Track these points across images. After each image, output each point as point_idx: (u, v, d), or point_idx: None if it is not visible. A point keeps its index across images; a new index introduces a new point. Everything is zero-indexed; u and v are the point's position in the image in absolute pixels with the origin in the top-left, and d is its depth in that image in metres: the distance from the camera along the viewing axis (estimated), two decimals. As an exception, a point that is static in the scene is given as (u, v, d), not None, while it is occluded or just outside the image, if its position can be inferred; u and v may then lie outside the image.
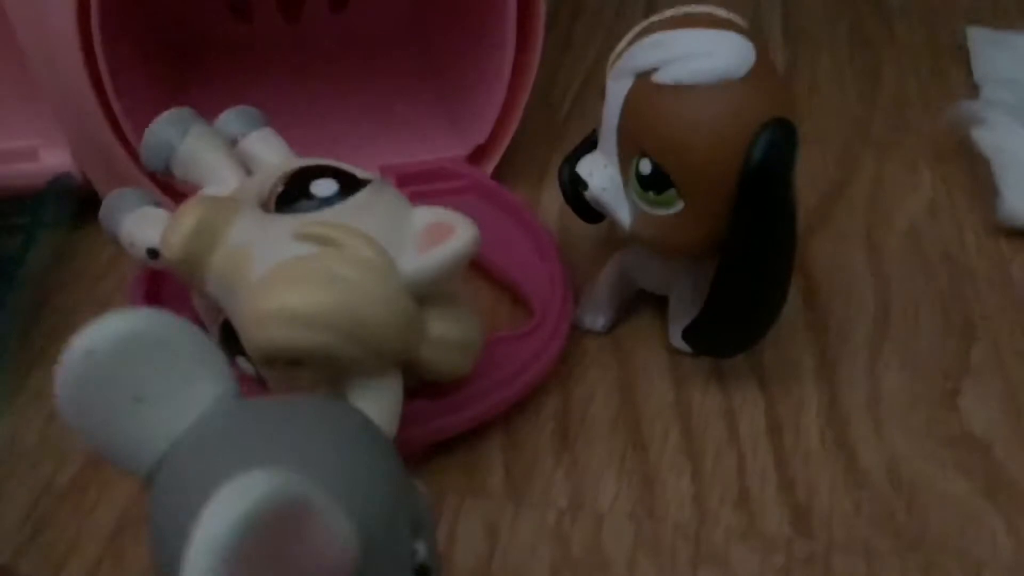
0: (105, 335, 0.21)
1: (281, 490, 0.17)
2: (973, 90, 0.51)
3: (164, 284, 0.37)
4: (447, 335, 0.30)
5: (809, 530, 0.32)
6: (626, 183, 0.33)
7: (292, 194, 0.31)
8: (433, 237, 0.29)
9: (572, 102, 0.52)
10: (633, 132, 0.32)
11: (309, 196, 0.30)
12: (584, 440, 0.34)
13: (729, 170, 0.30)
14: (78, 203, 0.42)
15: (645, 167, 0.31)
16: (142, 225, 0.34)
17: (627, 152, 0.32)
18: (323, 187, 0.31)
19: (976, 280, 0.41)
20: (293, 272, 0.27)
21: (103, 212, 0.35)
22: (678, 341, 0.36)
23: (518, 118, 0.43)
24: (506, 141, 0.44)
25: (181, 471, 0.21)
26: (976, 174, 0.46)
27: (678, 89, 0.30)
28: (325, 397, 0.25)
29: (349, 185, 0.31)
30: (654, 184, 0.31)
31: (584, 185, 0.34)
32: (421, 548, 0.23)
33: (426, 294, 0.29)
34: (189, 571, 0.17)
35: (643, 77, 0.31)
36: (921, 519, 0.32)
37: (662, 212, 0.32)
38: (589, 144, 0.35)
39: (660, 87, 0.31)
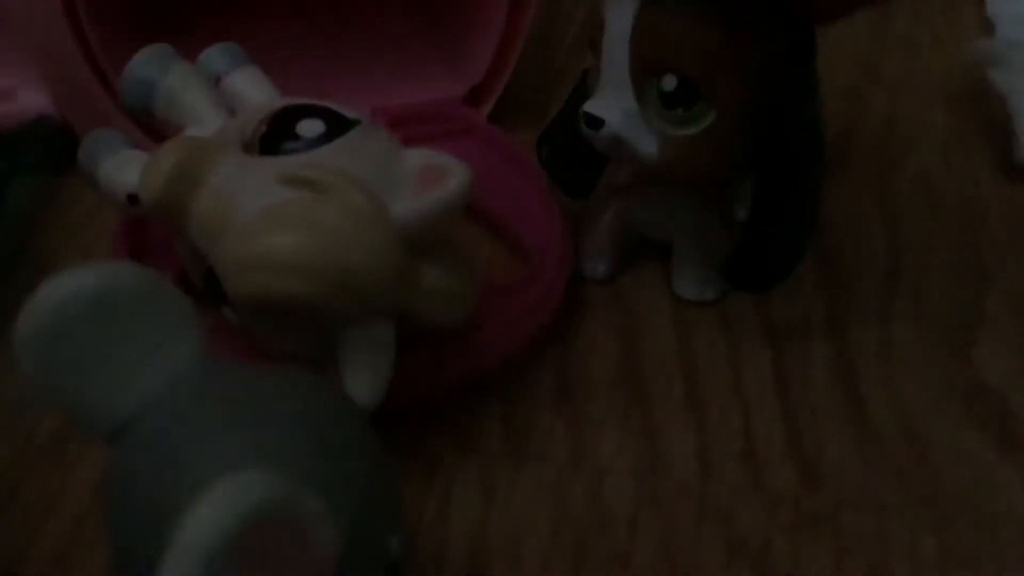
0: (79, 289, 0.20)
1: (274, 496, 0.17)
2: (987, 27, 0.50)
3: (150, 232, 0.36)
4: (441, 285, 0.29)
5: (818, 485, 0.31)
6: (645, 110, 0.31)
7: (277, 135, 0.29)
8: (426, 181, 0.28)
9: (573, 41, 0.50)
10: (649, 51, 0.30)
11: (295, 137, 0.29)
12: (585, 393, 0.34)
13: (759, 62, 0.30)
14: (59, 146, 0.40)
15: (669, 83, 0.30)
16: (121, 169, 0.33)
17: (644, 75, 0.31)
18: (309, 128, 0.29)
19: (991, 226, 0.40)
20: (278, 218, 0.26)
21: (81, 155, 0.34)
22: (682, 289, 0.35)
23: (516, 56, 0.42)
24: (503, 81, 0.42)
25: (150, 436, 0.20)
26: (991, 116, 0.44)
27: None
28: (302, 369, 0.24)
29: (337, 126, 0.30)
30: (682, 99, 0.30)
31: (601, 123, 0.32)
32: (395, 543, 0.22)
33: (418, 242, 0.28)
34: (169, 568, 0.16)
35: None
36: (933, 474, 0.31)
37: (692, 130, 0.31)
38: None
39: None
